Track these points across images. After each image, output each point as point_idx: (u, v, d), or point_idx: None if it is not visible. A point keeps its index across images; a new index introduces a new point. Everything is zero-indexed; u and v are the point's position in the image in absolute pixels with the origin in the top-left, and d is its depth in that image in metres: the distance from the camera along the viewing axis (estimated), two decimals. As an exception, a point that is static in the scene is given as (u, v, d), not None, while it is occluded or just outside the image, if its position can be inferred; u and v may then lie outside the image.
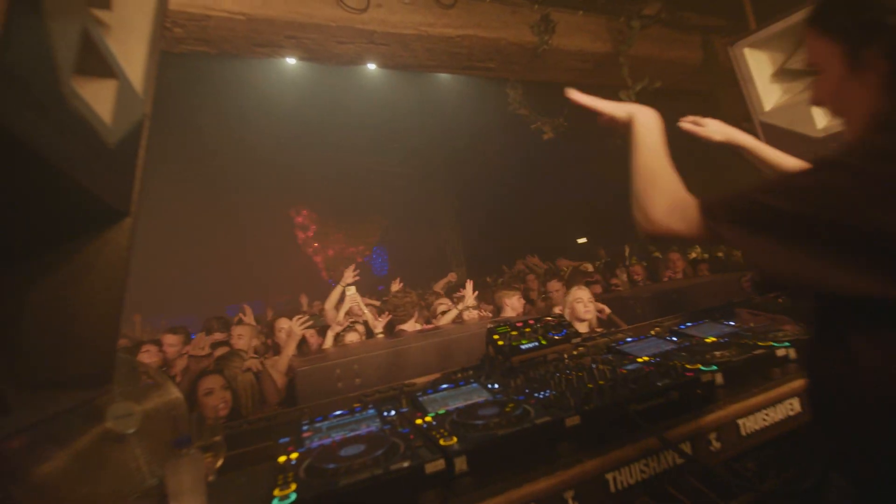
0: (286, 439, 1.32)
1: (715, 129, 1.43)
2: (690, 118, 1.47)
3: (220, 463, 1.33)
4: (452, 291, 5.44)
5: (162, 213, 7.88)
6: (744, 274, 3.16)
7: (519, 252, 7.72)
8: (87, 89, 0.79)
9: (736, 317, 2.21)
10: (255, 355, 3.29)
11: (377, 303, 5.00)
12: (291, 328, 3.27)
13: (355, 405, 1.67)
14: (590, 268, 6.37)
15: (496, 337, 1.80)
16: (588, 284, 3.89)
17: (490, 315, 4.12)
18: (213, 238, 10.04)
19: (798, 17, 2.27)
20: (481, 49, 5.01)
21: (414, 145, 9.03)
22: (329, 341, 3.35)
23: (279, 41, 4.34)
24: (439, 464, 1.06)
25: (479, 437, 1.15)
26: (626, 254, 6.62)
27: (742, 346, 1.66)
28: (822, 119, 2.31)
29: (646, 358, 1.66)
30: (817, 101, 0.91)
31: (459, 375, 1.84)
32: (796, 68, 2.44)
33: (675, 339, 1.94)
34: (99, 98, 0.84)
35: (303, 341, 3.62)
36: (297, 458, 1.16)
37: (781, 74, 2.52)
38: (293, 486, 1.01)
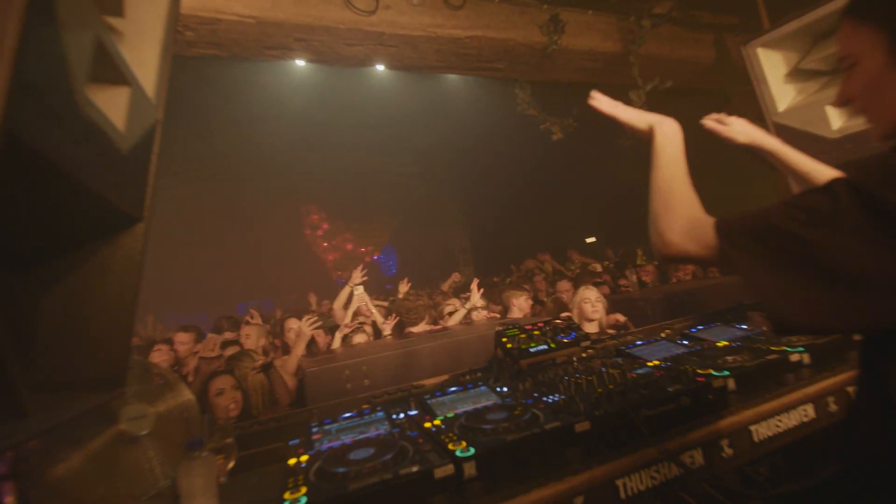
0: (296, 441, 1.33)
1: (739, 130, 1.34)
2: (714, 116, 1.37)
3: (231, 465, 1.34)
4: (459, 292, 5.44)
5: (173, 213, 7.96)
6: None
7: (528, 252, 7.71)
8: (100, 97, 0.80)
9: (748, 320, 2.18)
10: (264, 356, 3.32)
11: (386, 303, 5.02)
12: (301, 329, 3.29)
13: (364, 407, 1.68)
14: (598, 267, 6.34)
15: (505, 340, 1.80)
16: (596, 285, 3.86)
17: (498, 316, 4.11)
18: (224, 238, 10.16)
19: (814, 16, 2.24)
20: (490, 50, 5.00)
21: (422, 146, 9.03)
22: (337, 342, 3.37)
23: (289, 44, 4.37)
24: (448, 469, 1.06)
25: (488, 442, 1.14)
26: (640, 254, 6.57)
27: (755, 351, 1.63)
28: (837, 120, 2.27)
29: (656, 362, 1.65)
30: (845, 98, 0.84)
31: (468, 378, 1.84)
32: (811, 68, 2.40)
33: (685, 342, 1.92)
34: (112, 105, 0.85)
35: (312, 341, 3.65)
36: (307, 461, 1.17)
37: (796, 74, 2.48)
38: (303, 490, 1.02)
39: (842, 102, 0.85)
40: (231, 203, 9.85)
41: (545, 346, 1.75)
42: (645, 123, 1.04)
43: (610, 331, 3.09)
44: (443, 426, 1.28)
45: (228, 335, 4.11)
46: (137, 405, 1.27)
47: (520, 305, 4.07)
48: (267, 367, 3.04)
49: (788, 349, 1.60)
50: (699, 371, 1.47)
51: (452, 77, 6.58)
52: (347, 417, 1.50)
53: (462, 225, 13.06)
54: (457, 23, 4.61)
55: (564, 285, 4.73)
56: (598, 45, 5.39)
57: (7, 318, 0.73)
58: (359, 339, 3.34)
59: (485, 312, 3.84)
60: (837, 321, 0.66)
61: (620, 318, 3.32)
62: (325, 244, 12.12)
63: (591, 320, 3.19)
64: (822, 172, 1.24)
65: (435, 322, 4.04)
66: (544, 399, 1.38)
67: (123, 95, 0.89)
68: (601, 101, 1.11)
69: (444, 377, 1.91)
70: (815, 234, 0.65)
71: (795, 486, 1.34)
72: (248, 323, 4.08)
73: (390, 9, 4.33)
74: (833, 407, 1.50)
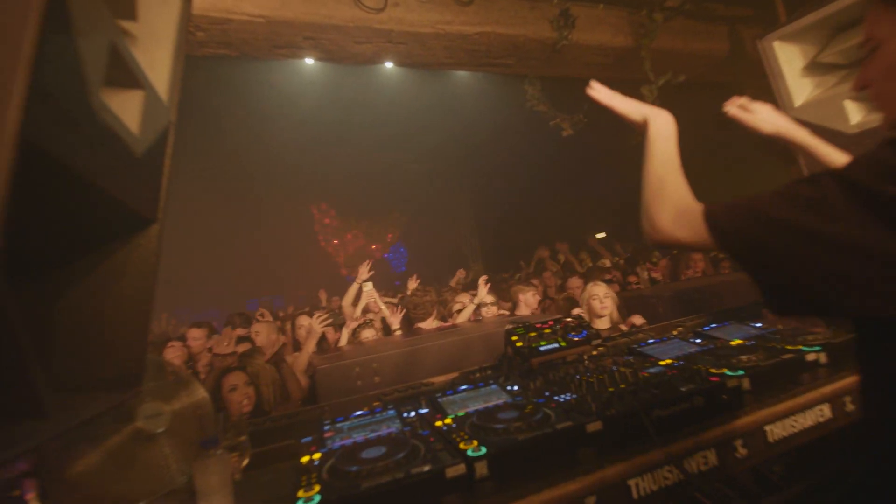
0: (308, 439, 1.35)
1: (764, 118, 1.28)
2: (739, 101, 1.32)
3: (245, 462, 1.36)
4: (467, 288, 5.44)
5: (187, 211, 8.06)
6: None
7: (537, 247, 7.67)
8: (114, 101, 0.81)
9: (763, 317, 2.14)
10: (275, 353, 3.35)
11: (395, 300, 5.04)
12: (311, 325, 3.32)
13: (375, 405, 1.69)
14: (607, 263, 6.28)
15: (515, 338, 1.80)
16: (606, 282, 3.83)
17: (507, 313, 4.10)
18: (236, 235, 10.29)
19: (832, 8, 2.18)
20: (499, 46, 4.97)
21: (432, 142, 9.03)
22: (345, 338, 3.39)
23: (298, 42, 4.38)
24: (460, 468, 1.06)
25: (500, 441, 1.14)
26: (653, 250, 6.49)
27: (770, 350, 1.61)
28: (855, 115, 2.22)
29: (668, 361, 1.63)
30: (862, 83, 0.83)
31: (478, 375, 1.84)
32: (829, 62, 2.34)
33: (698, 340, 1.90)
34: (126, 109, 0.86)
35: (322, 338, 3.68)
36: (320, 459, 1.18)
37: (813, 68, 2.42)
38: (317, 488, 1.03)
39: (859, 87, 0.85)
40: (242, 200, 9.96)
41: (556, 345, 1.75)
42: (640, 115, 1.05)
43: (622, 327, 3.06)
44: (454, 425, 1.28)
45: (241, 331, 4.16)
46: (153, 403, 1.29)
47: (527, 301, 4.06)
48: (277, 360, 3.07)
49: (804, 348, 1.57)
50: (713, 370, 1.45)
51: (461, 73, 6.56)
52: (359, 415, 1.51)
53: (472, 221, 13.05)
54: (466, 19, 4.58)
55: (575, 282, 4.71)
56: (609, 40, 5.32)
57: (27, 321, 0.74)
58: (367, 334, 3.35)
59: (494, 308, 3.83)
60: (823, 303, 0.69)
61: (638, 320, 3.25)
62: (335, 241, 12.19)
63: (601, 316, 3.17)
64: None
65: (444, 319, 4.05)
66: (555, 398, 1.38)
67: (137, 99, 0.90)
68: (599, 92, 1.13)
69: (454, 375, 1.91)
70: (801, 219, 0.68)
71: (810, 484, 1.33)
72: (258, 321, 4.12)
73: (399, 6, 4.32)
74: (850, 407, 1.47)
